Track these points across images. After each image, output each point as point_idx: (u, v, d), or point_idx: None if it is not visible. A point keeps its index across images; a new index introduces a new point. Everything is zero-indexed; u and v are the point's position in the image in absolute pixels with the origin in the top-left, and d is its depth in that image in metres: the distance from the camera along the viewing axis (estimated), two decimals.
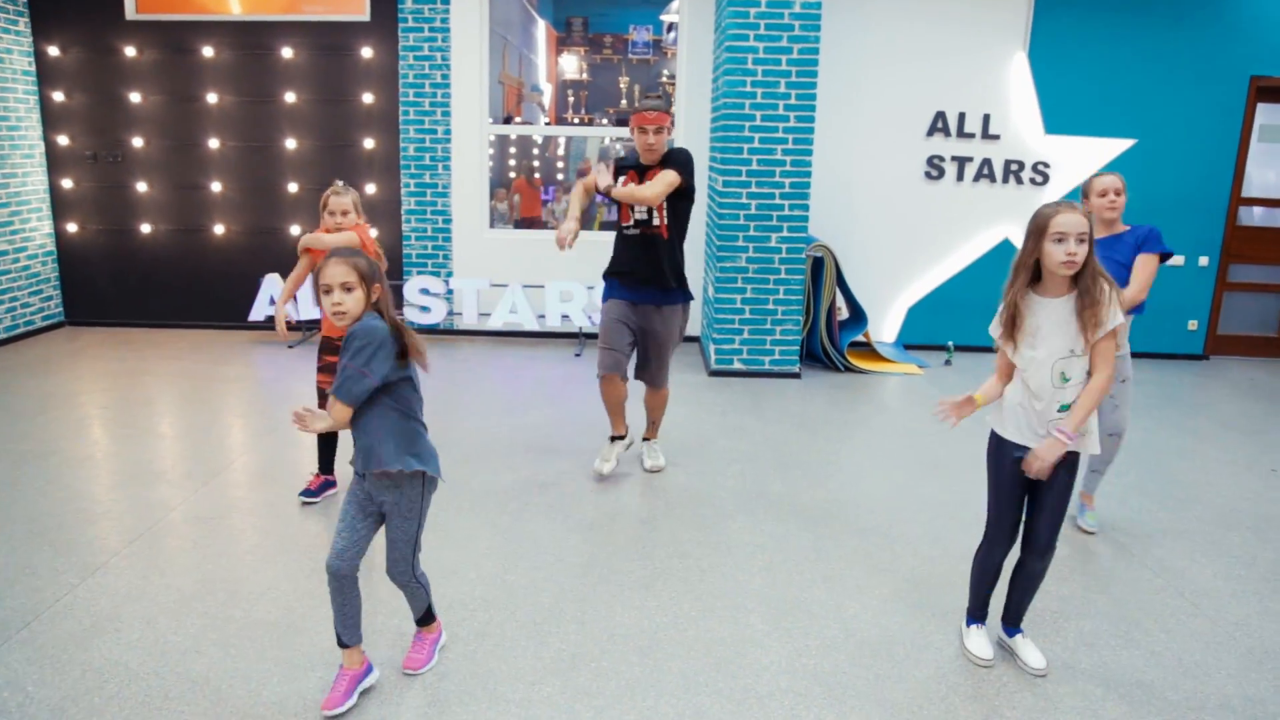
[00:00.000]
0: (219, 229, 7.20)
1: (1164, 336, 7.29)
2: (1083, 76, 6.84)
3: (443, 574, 3.31)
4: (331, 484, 4.06)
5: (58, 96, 6.99)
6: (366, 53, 6.91)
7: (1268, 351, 7.55)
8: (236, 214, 7.17)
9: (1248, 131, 7.02)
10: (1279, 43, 6.83)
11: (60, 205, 7.18)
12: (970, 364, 6.86)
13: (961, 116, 6.91)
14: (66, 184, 7.13)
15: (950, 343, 7.07)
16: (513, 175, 8.34)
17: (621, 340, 4.16)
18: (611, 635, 2.96)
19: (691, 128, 7.05)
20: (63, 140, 7.07)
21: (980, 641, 2.89)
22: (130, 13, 6.90)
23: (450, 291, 7.06)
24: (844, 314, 6.91)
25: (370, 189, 7.11)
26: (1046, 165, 6.98)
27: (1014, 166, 6.97)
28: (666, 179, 3.96)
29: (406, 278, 7.11)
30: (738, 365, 6.29)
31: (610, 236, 7.38)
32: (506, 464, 4.50)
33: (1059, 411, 2.60)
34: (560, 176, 9.04)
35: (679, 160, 4.05)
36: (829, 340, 6.57)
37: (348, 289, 2.34)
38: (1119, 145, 6.93)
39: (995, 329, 2.67)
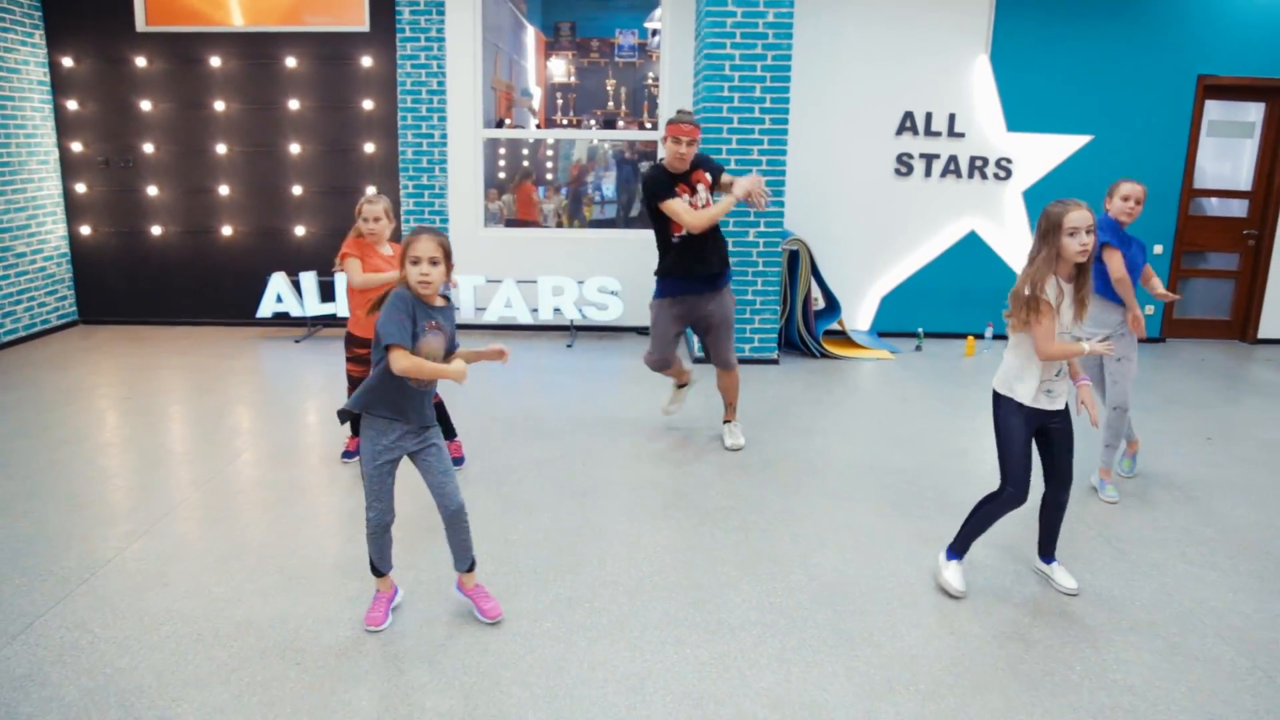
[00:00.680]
0: (226, 230, 7.57)
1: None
2: (1041, 77, 7.27)
3: None
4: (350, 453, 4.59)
5: (71, 105, 7.35)
6: (366, 61, 7.29)
7: (1221, 333, 8.00)
8: (243, 216, 7.54)
9: (1197, 127, 7.46)
10: (1225, 43, 7.28)
11: (74, 209, 7.55)
12: (940, 349, 7.28)
13: (929, 116, 7.33)
14: (80, 188, 7.49)
15: (920, 329, 7.49)
16: (502, 176, 8.71)
17: (672, 344, 4.78)
18: (602, 582, 3.36)
19: None
20: (76, 147, 7.43)
21: (955, 575, 3.31)
22: (140, 24, 7.26)
23: (448, 287, 7.43)
24: (820, 304, 7.33)
25: (371, 191, 7.49)
26: (1009, 161, 7.40)
27: (979, 162, 7.40)
28: (730, 199, 4.57)
29: None
30: None
31: (600, 235, 7.78)
32: (505, 444, 4.90)
33: (1055, 376, 3.10)
34: (550, 177, 9.42)
35: (712, 162, 4.71)
36: (805, 328, 6.99)
37: (434, 262, 2.77)
38: (1077, 141, 7.37)
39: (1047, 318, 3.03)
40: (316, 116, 7.41)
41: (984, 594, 3.32)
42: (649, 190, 4.55)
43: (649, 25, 8.59)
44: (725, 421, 4.98)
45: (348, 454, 4.55)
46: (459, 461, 4.52)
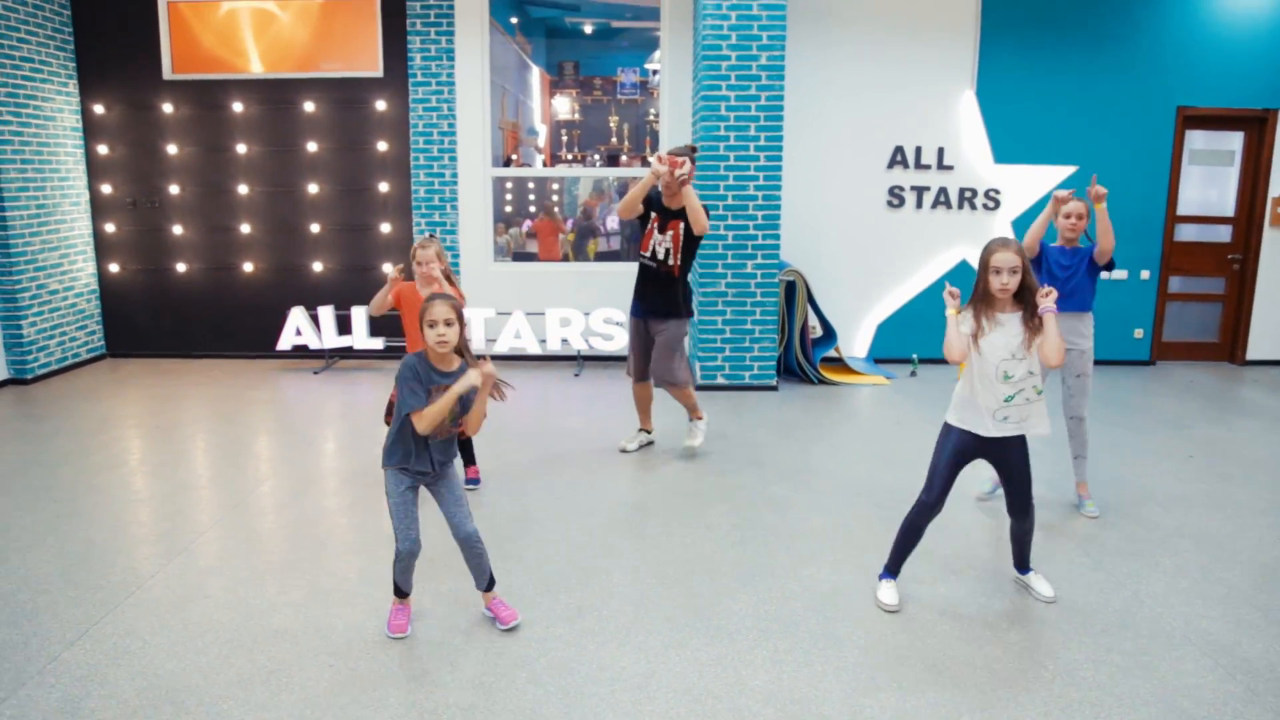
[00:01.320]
0: (248, 266, 7.90)
1: (1112, 344, 7.98)
2: (1026, 111, 7.59)
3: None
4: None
5: (102, 149, 7.73)
6: (380, 105, 7.65)
7: (1210, 355, 8.24)
8: (263, 253, 7.88)
9: (1178, 156, 7.76)
10: (1202, 76, 7.59)
11: (103, 247, 7.90)
12: (935, 375, 7.54)
13: (918, 150, 7.65)
14: (109, 228, 7.85)
15: (915, 355, 7.77)
16: (509, 209, 9.02)
17: (640, 353, 5.26)
18: (609, 592, 3.61)
19: None
20: (106, 189, 7.80)
21: (889, 592, 3.54)
22: (167, 73, 7.65)
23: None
24: (817, 332, 7.62)
25: (385, 228, 7.83)
26: (997, 192, 7.70)
27: (968, 194, 7.71)
28: (703, 215, 4.89)
29: None
30: (720, 380, 6.97)
31: (604, 268, 8.08)
32: (516, 468, 5.16)
33: (1004, 402, 3.28)
34: (555, 211, 9.74)
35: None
36: (803, 356, 7.26)
37: (449, 324, 3.07)
38: (1062, 172, 7.67)
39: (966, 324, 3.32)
40: (333, 158, 7.76)
41: (965, 602, 3.56)
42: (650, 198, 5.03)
43: (649, 66, 8.95)
44: (691, 420, 5.36)
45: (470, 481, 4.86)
46: (475, 483, 4.79)
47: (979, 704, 2.87)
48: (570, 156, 10.40)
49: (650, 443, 5.56)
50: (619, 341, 7.53)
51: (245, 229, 7.86)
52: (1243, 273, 8.07)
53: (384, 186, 7.80)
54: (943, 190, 7.71)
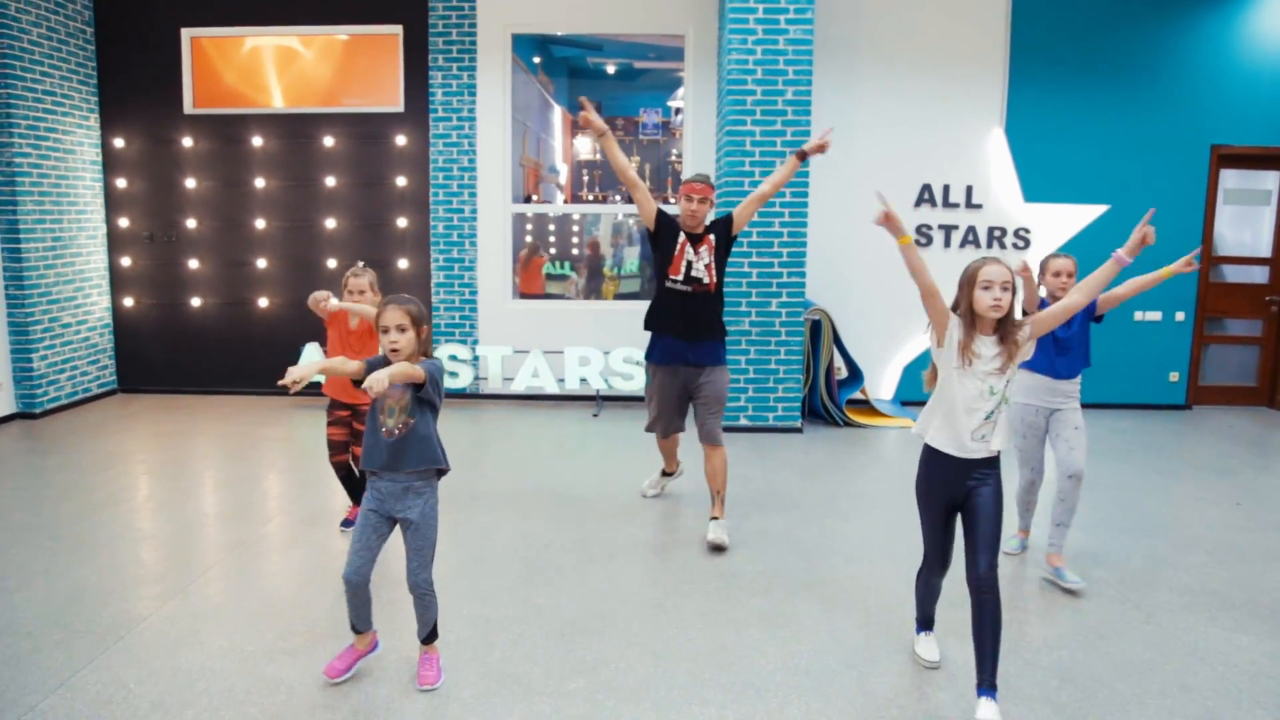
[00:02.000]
0: (263, 302, 7.81)
1: (1147, 388, 7.72)
2: (1057, 148, 7.43)
3: (479, 597, 3.76)
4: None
5: (120, 183, 7.70)
6: (400, 140, 7.59)
7: (1249, 400, 7.96)
8: (279, 288, 7.79)
9: (1213, 195, 7.56)
10: (1236, 114, 7.42)
11: (118, 281, 7.83)
12: None
13: (946, 188, 7.49)
14: (125, 262, 7.79)
15: None
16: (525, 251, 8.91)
17: (671, 408, 4.67)
18: (629, 643, 3.39)
19: None
20: (123, 222, 7.75)
21: (928, 647, 3.29)
22: (188, 107, 7.63)
23: (476, 358, 7.60)
24: (843, 373, 7.40)
25: (403, 264, 7.72)
26: (1027, 231, 7.52)
27: (997, 233, 7.52)
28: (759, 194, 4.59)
29: (436, 345, 7.67)
30: (744, 421, 6.76)
31: (625, 306, 7.91)
32: (533, 512, 4.95)
33: (984, 420, 2.87)
34: (574, 251, 9.64)
35: (727, 223, 4.59)
36: (828, 397, 7.04)
37: (401, 329, 2.85)
38: (1094, 211, 7.48)
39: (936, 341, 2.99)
40: (351, 193, 7.69)
41: (1012, 658, 3.31)
42: (663, 219, 4.59)
43: (672, 104, 8.88)
44: (712, 518, 4.54)
45: (346, 523, 4.60)
46: (350, 524, 4.57)
47: None
48: (591, 197, 10.33)
49: (678, 474, 5.24)
50: (638, 381, 7.34)
51: (262, 263, 7.78)
52: None
53: (402, 222, 7.71)
54: (971, 229, 7.53)
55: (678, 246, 4.51)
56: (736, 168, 6.48)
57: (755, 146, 6.45)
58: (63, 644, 3.29)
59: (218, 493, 5.22)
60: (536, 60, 9.12)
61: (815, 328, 6.99)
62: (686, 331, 4.50)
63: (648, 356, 4.69)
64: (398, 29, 7.54)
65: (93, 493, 5.11)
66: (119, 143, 7.66)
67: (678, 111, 8.76)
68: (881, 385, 7.78)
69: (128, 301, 7.85)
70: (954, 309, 2.96)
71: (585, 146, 10.32)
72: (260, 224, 7.74)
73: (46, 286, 7.06)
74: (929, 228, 7.55)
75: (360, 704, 2.93)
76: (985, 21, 7.36)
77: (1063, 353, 4.00)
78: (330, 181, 7.66)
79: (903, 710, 2.94)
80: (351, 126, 7.62)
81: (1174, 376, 7.78)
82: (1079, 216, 7.49)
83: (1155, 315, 7.60)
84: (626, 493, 5.25)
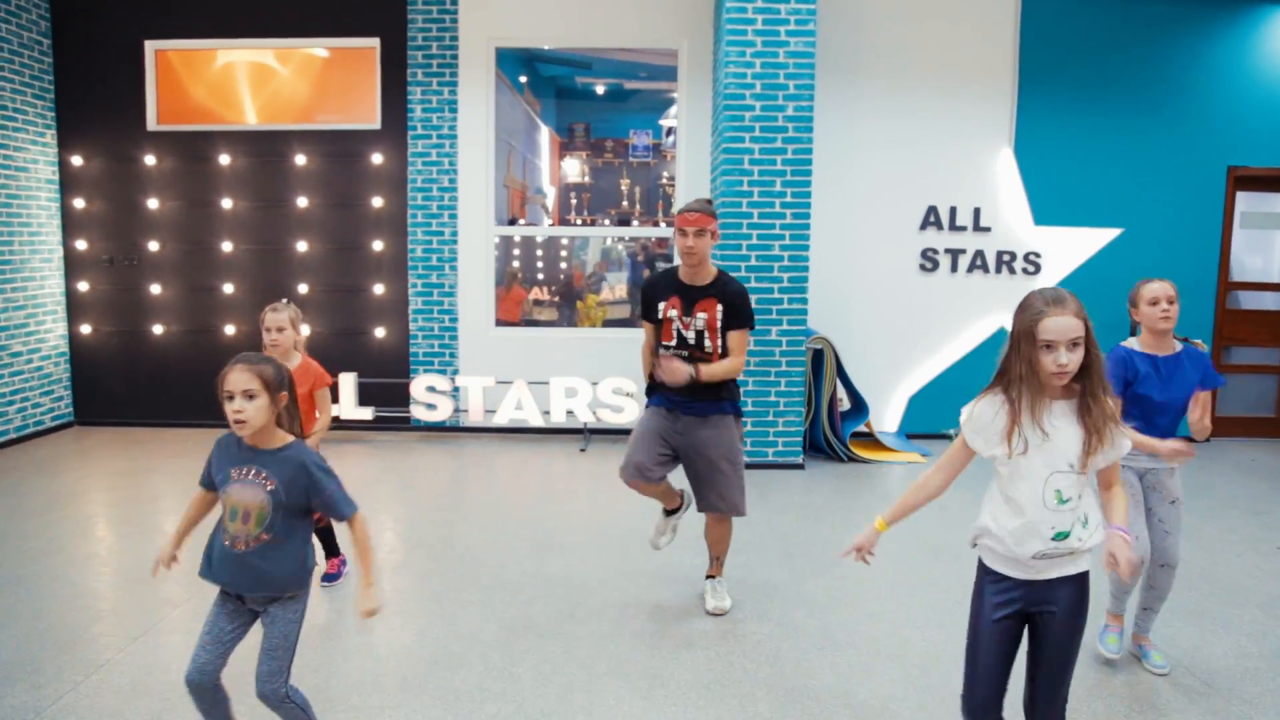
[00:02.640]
0: (229, 329, 7.35)
1: None
2: (1068, 170, 7.09)
3: (450, 664, 3.30)
4: (344, 561, 4.21)
5: (78, 203, 7.25)
6: (377, 159, 7.19)
7: (1267, 432, 7.58)
8: (247, 314, 7.33)
9: (1229, 219, 7.23)
10: (1254, 134, 7.11)
11: (75, 307, 7.36)
12: None
13: (953, 210, 7.13)
14: (82, 287, 7.32)
15: (952, 431, 7.12)
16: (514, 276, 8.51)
17: (649, 450, 3.77)
18: None
19: None
20: (81, 245, 7.29)
21: None
22: (151, 124, 7.21)
23: (457, 389, 7.15)
24: (845, 405, 6.99)
25: (378, 289, 7.29)
26: (1038, 255, 7.16)
27: (1006, 257, 7.16)
28: (741, 345, 3.70)
29: (414, 375, 7.22)
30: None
31: (614, 335, 7.51)
32: (512, 558, 4.50)
33: (1054, 540, 2.16)
34: (561, 276, 9.24)
35: (741, 308, 3.71)
36: (831, 431, 6.62)
37: (250, 396, 2.33)
38: (1106, 235, 7.13)
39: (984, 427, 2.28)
40: (325, 214, 7.27)
41: None
42: (642, 297, 3.88)
43: (664, 123, 8.53)
44: (708, 577, 4.01)
45: (327, 577, 4.10)
46: (331, 578, 4.07)
47: None
48: (580, 220, 9.96)
49: (687, 508, 4.17)
50: (629, 414, 6.90)
51: (228, 289, 7.32)
52: None
53: (378, 245, 7.28)
54: (979, 253, 7.16)
55: (661, 311, 3.74)
56: (734, 187, 6.10)
57: (754, 165, 6.07)
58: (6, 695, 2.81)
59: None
60: (523, 79, 8.77)
61: (817, 357, 6.58)
62: (683, 391, 3.72)
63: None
64: (375, 42, 7.16)
65: (27, 540, 4.62)
66: (77, 160, 7.22)
67: (669, 132, 8.41)
68: (886, 417, 7.37)
69: (85, 329, 7.37)
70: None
71: (574, 169, 9.95)
72: (227, 247, 7.29)
73: None
74: (935, 252, 7.18)
75: None
76: (994, 35, 7.03)
77: (1162, 412, 3.22)
78: (302, 202, 7.24)
79: None
80: (325, 144, 7.21)
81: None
82: (1091, 240, 7.14)
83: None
84: (616, 539, 4.79)
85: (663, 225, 8.52)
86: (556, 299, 8.74)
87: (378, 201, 7.23)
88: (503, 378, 7.15)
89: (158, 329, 7.37)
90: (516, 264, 8.65)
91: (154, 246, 7.29)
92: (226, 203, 7.25)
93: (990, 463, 2.29)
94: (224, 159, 7.20)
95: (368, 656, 3.39)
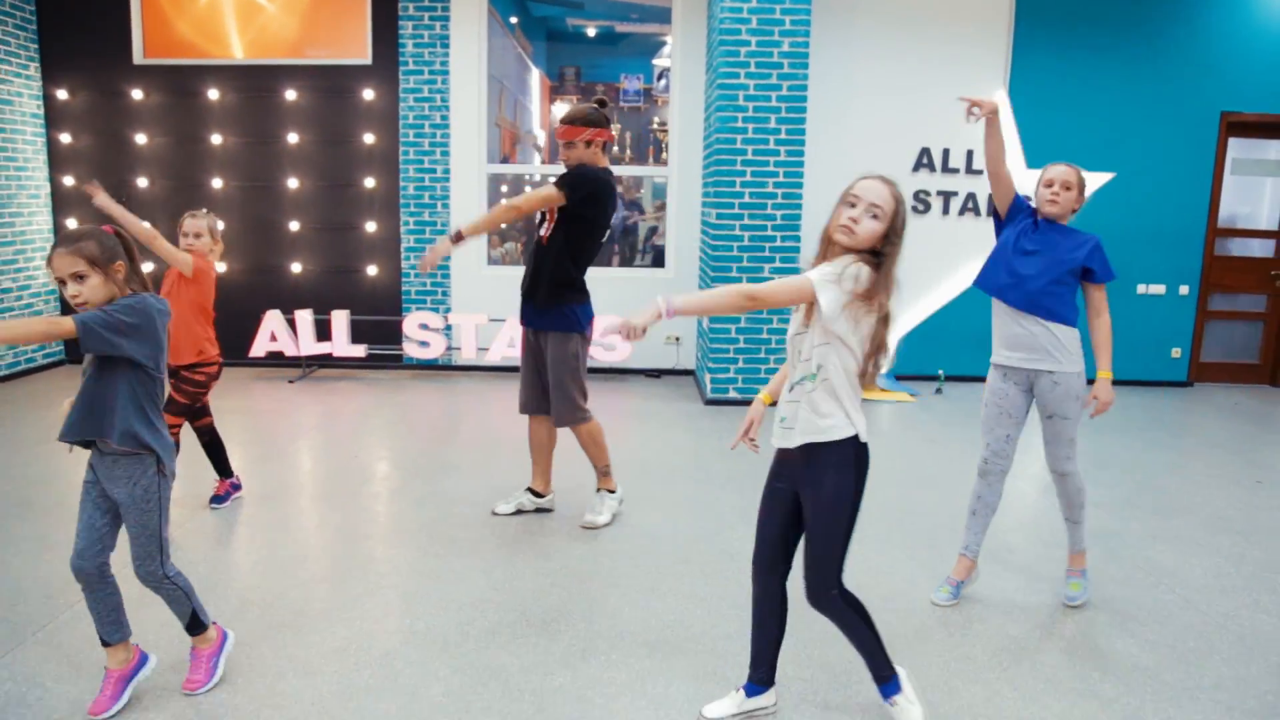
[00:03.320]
0: (220, 267, 7.28)
1: (1148, 364, 7.44)
2: (1061, 113, 7.09)
3: (454, 578, 3.38)
4: (237, 485, 4.23)
5: (65, 138, 7.16)
6: (368, 95, 7.11)
7: (1251, 378, 7.70)
8: (238, 252, 7.29)
9: (1221, 165, 7.27)
10: (1248, 80, 7.11)
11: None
12: (961, 392, 6.97)
13: (946, 152, 7.13)
14: (71, 223, 7.25)
15: (941, 371, 7.21)
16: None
17: (528, 373, 3.98)
18: (619, 633, 3.01)
19: (684, 164, 7.29)
20: (68, 180, 7.22)
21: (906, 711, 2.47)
22: (138, 57, 7.10)
23: (449, 327, 7.16)
24: None
25: (370, 227, 7.26)
26: (1029, 198, 7.16)
27: None
28: (541, 193, 3.74)
29: (406, 313, 7.22)
30: (733, 394, 6.39)
31: (605, 273, 7.51)
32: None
33: (788, 390, 2.36)
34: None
35: (567, 180, 3.74)
36: None
37: (80, 278, 2.24)
38: (1098, 178, 7.15)
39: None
40: (315, 151, 7.21)
41: (1045, 651, 2.97)
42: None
43: (657, 63, 8.45)
44: (597, 490, 4.10)
45: (215, 498, 4.15)
46: (219, 500, 4.12)
47: None
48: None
49: (541, 509, 4.17)
50: (620, 352, 6.96)
51: (219, 225, 7.25)
52: None
53: (370, 182, 7.23)
54: (971, 196, 7.19)
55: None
56: (728, 124, 6.08)
57: (749, 101, 6.05)
58: None
59: None
60: (514, 20, 8.66)
61: None
62: (524, 292, 3.94)
63: None
64: None
65: (26, 468, 4.65)
66: (62, 94, 7.11)
67: (660, 76, 8.35)
68: None
69: None
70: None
71: (564, 112, 9.85)
72: (217, 183, 7.23)
73: None
74: (927, 194, 7.20)
75: (307, 699, 2.53)
76: None
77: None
78: (293, 138, 7.17)
79: (924, 701, 2.59)
80: (315, 79, 7.12)
81: (1175, 352, 7.50)
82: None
83: (1159, 289, 7.31)
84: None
85: (653, 164, 8.48)
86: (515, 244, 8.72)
87: (369, 138, 7.17)
88: (495, 315, 7.16)
89: (147, 266, 7.29)
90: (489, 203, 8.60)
91: (143, 183, 7.22)
92: (216, 139, 7.17)
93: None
94: (213, 94, 7.11)
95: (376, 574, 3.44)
